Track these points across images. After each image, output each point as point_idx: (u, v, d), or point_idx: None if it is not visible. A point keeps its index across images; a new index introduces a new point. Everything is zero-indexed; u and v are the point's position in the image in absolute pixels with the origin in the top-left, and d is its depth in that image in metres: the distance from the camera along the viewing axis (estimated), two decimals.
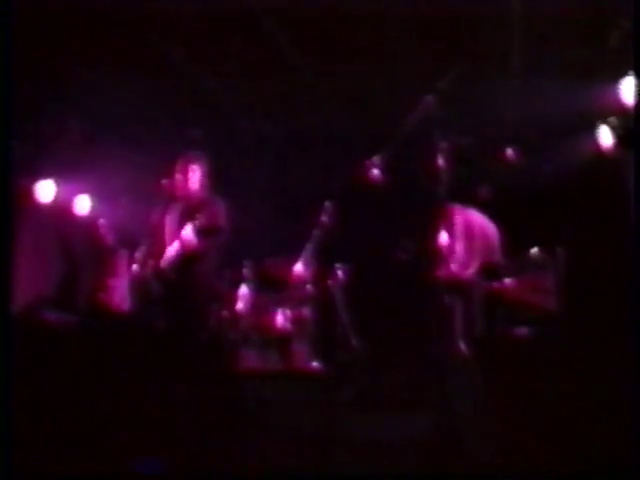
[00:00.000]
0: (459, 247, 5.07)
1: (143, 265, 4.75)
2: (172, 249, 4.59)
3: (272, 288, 6.75)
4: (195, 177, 4.81)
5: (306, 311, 6.32)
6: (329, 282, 6.50)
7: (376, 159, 4.48)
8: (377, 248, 7.27)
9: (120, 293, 6.37)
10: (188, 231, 4.51)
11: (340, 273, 6.53)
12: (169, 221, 4.75)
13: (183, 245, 4.53)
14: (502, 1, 4.51)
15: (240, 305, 6.74)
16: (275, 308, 6.51)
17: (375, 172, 4.50)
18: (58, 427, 3.23)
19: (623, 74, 5.17)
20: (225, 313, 6.29)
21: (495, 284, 5.03)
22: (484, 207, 5.46)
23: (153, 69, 5.44)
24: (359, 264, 6.70)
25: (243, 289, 6.92)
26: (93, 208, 7.12)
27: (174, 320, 4.62)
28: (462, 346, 4.51)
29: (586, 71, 5.27)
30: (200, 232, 4.51)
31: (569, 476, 2.74)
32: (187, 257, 4.55)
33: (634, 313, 3.52)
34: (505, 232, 5.34)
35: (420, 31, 4.89)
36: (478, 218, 5.22)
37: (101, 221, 6.63)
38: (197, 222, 4.52)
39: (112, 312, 6.28)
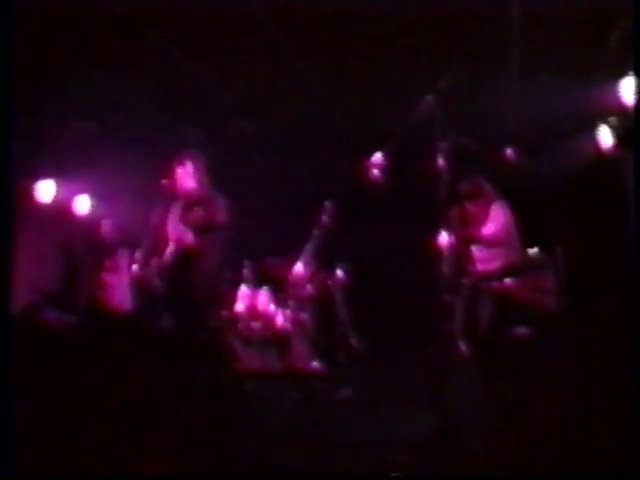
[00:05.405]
0: (484, 242, 5.09)
1: (143, 264, 4.75)
2: (171, 247, 4.59)
3: (272, 288, 6.77)
4: (194, 175, 4.82)
5: (306, 311, 6.33)
6: (329, 282, 6.51)
7: (376, 159, 4.49)
8: (377, 248, 7.28)
9: (120, 292, 6.38)
10: (183, 229, 4.52)
11: (340, 273, 6.53)
12: (170, 220, 4.76)
13: (179, 243, 4.54)
14: (502, 1, 4.51)
15: (240, 305, 6.75)
16: (275, 308, 6.52)
17: (375, 172, 4.51)
18: (58, 427, 3.23)
19: (623, 74, 5.17)
20: (225, 313, 6.30)
21: (495, 284, 5.03)
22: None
23: (153, 69, 5.44)
24: (359, 264, 6.71)
25: (243, 289, 6.94)
26: (93, 208, 7.13)
27: (174, 320, 4.62)
28: (462, 346, 4.51)
29: (586, 71, 5.26)
30: (196, 229, 4.52)
31: (569, 476, 2.74)
32: (187, 256, 4.55)
33: (634, 313, 3.52)
34: None
35: (420, 31, 4.89)
36: (504, 211, 5.21)
37: (105, 220, 6.64)
38: (193, 220, 4.53)
39: (112, 311, 6.29)
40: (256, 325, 6.42)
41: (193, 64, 5.39)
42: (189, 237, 4.51)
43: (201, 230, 4.53)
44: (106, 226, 6.63)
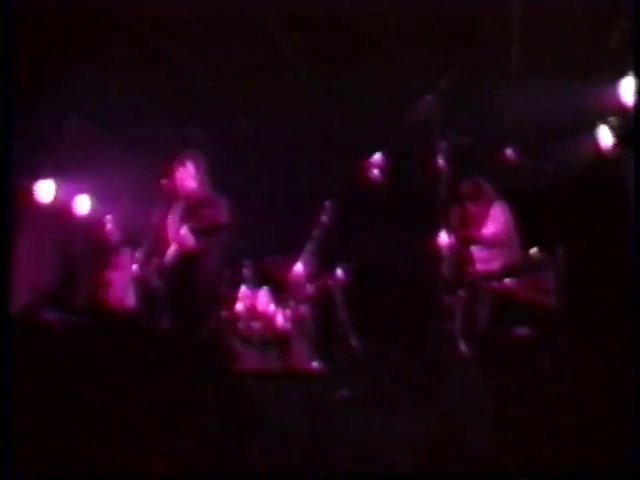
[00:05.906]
0: (484, 242, 5.09)
1: (144, 264, 4.75)
2: (173, 249, 4.59)
3: (272, 288, 6.76)
4: (194, 175, 4.81)
5: (306, 310, 6.33)
6: (329, 282, 6.50)
7: (376, 159, 4.48)
8: (377, 248, 7.28)
9: (121, 290, 6.37)
10: (185, 232, 4.51)
11: (340, 273, 6.53)
12: (170, 220, 4.75)
13: (180, 246, 4.53)
14: (502, 1, 4.51)
15: (240, 305, 6.75)
16: (275, 308, 6.52)
17: (375, 172, 4.50)
18: (58, 427, 3.23)
19: (623, 74, 5.17)
20: (225, 313, 6.30)
21: (495, 284, 5.03)
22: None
23: (153, 69, 5.44)
24: (359, 264, 6.71)
25: (243, 289, 6.93)
26: (93, 208, 7.13)
27: (175, 320, 4.62)
28: (462, 346, 4.51)
29: (586, 71, 5.27)
30: (197, 233, 4.51)
31: (569, 476, 2.74)
32: (188, 257, 4.55)
33: (634, 313, 3.52)
34: None
35: (420, 31, 4.89)
36: (504, 211, 5.21)
37: (108, 217, 6.63)
38: (194, 220, 4.52)
39: (112, 310, 6.28)
40: (256, 325, 6.41)
41: (193, 64, 5.39)
42: (190, 241, 4.50)
43: (202, 231, 4.52)
44: (109, 223, 6.62)
